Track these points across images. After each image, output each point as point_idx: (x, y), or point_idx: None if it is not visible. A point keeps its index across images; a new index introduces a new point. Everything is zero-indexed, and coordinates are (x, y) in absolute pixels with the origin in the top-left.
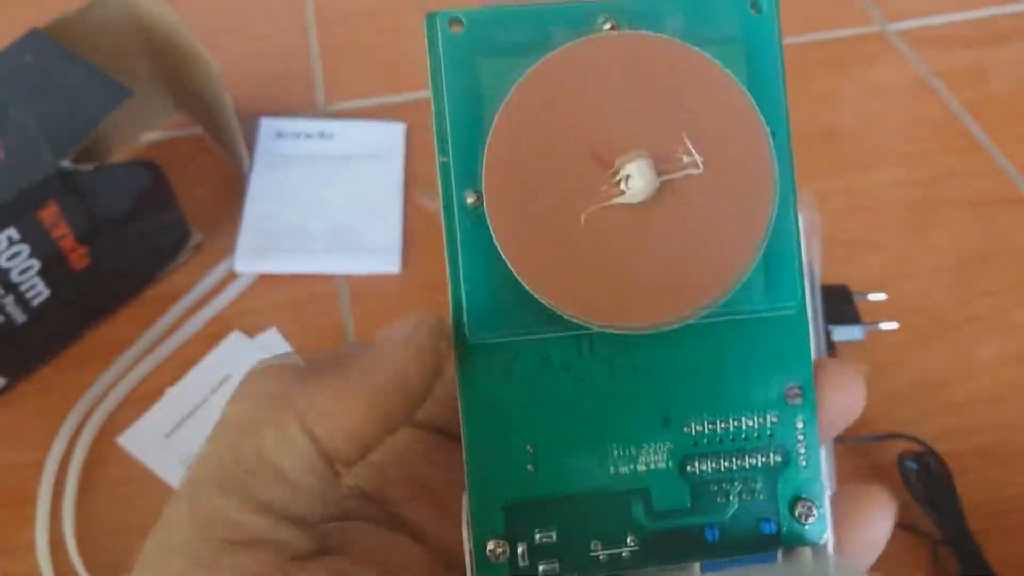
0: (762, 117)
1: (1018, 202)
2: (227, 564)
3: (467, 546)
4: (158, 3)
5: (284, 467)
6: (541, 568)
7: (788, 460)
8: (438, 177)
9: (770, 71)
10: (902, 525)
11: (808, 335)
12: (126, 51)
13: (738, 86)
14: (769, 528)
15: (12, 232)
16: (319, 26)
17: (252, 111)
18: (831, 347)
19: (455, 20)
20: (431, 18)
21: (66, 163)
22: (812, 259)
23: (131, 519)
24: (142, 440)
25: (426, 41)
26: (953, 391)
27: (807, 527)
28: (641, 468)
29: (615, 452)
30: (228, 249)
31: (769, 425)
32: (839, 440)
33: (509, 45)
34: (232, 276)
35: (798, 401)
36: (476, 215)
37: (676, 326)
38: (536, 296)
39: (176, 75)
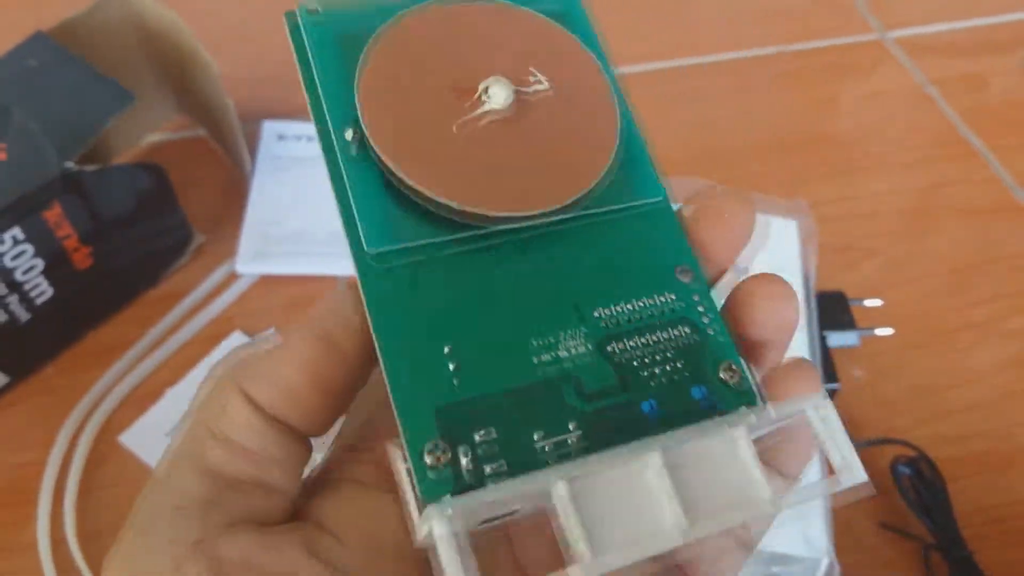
0: (589, 49)
1: (1014, 210)
2: (165, 528)
3: (401, 464)
4: (160, 6)
5: (232, 436)
6: (488, 469)
7: (697, 330)
8: (316, 131)
9: (584, 29)
10: (894, 529)
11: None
12: (129, 53)
13: (564, 30)
14: (700, 392)
15: (17, 232)
16: None
17: (254, 114)
18: (826, 353)
19: (312, 9)
20: (289, 13)
21: (70, 164)
22: (808, 265)
23: None
24: (143, 439)
25: (287, 28)
26: (948, 398)
27: (736, 388)
28: (563, 355)
29: (534, 343)
30: (229, 251)
31: (670, 302)
32: None
33: (363, 27)
34: (233, 277)
35: (687, 278)
36: (357, 146)
37: (561, 215)
38: (426, 195)
39: (178, 77)
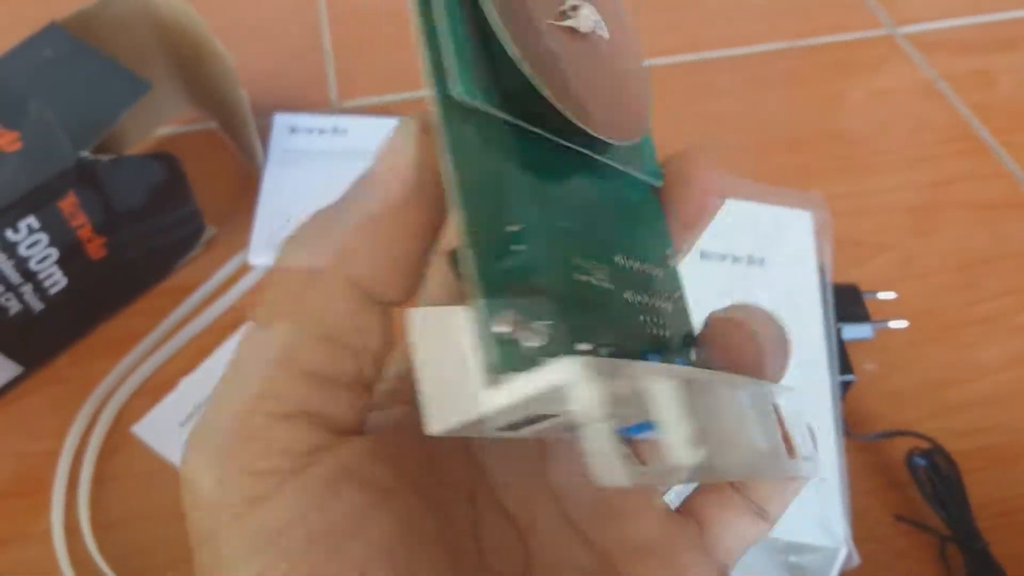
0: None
1: None
2: (270, 437)
3: (455, 331)
4: None
5: (335, 330)
6: (535, 326)
7: (676, 309)
8: None
9: None
10: (909, 521)
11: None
12: (142, 45)
13: None
14: (681, 364)
15: (32, 221)
16: (332, 23)
17: (266, 107)
18: (842, 345)
19: None
20: None
21: (85, 154)
22: (823, 257)
23: (145, 507)
24: (156, 429)
25: None
26: (960, 392)
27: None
28: (593, 282)
29: (573, 259)
30: (241, 244)
31: (659, 276)
32: (848, 436)
33: None
34: (246, 268)
35: (671, 263)
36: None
37: (616, 157)
38: (526, 74)
39: (191, 70)
